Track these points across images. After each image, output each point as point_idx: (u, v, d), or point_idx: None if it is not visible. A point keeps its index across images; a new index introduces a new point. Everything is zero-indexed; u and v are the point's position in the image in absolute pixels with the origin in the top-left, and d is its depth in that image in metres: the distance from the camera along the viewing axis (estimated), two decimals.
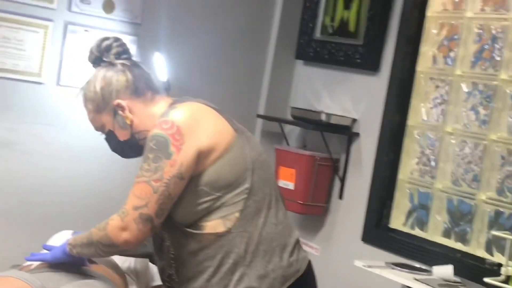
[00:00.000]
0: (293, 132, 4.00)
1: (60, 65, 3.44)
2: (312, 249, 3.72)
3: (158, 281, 2.75)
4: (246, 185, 2.09)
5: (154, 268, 2.79)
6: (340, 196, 3.70)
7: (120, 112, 2.17)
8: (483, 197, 3.06)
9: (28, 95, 3.40)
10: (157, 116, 2.12)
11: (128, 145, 2.21)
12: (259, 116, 3.99)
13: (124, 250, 2.13)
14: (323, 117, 3.63)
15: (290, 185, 3.67)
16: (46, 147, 3.48)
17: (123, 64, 2.19)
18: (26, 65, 3.36)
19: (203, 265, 2.10)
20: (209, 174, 2.06)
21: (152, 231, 2.06)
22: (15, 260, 2.88)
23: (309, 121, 3.71)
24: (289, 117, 3.90)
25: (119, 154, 2.29)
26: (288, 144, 3.96)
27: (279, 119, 3.90)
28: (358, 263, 3.08)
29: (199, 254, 2.10)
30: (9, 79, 3.34)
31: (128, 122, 2.18)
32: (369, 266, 3.01)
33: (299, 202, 3.64)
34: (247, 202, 2.09)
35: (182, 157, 2.02)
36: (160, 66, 3.53)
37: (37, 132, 3.44)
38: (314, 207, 3.70)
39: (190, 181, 2.06)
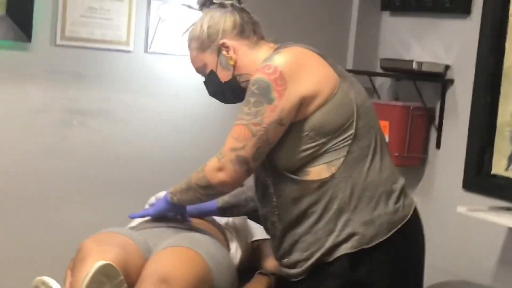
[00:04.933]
0: (384, 85, 3.91)
1: (146, 32, 3.47)
2: None
3: (257, 236, 2.76)
4: (351, 131, 2.07)
5: (253, 224, 2.79)
6: (438, 146, 3.59)
7: (224, 52, 2.20)
8: None
9: (118, 64, 3.44)
10: (261, 60, 2.11)
11: (229, 88, 2.22)
12: (347, 70, 3.91)
13: (221, 192, 2.14)
14: (415, 66, 3.52)
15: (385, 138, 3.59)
16: (137, 115, 3.51)
17: (232, 5, 2.21)
18: (114, 34, 3.39)
19: (307, 212, 2.09)
20: (314, 120, 2.04)
21: (248, 173, 2.07)
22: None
23: (400, 71, 3.62)
24: (379, 70, 3.82)
25: (218, 98, 2.31)
26: (379, 97, 3.88)
27: (368, 72, 3.82)
28: (461, 209, 2.99)
29: (303, 201, 2.08)
30: (99, 49, 3.38)
31: (232, 62, 2.19)
32: (473, 210, 2.92)
33: (395, 154, 3.55)
34: (352, 148, 2.06)
35: (284, 103, 2.01)
36: None
37: (128, 100, 3.48)
38: (411, 159, 3.62)
39: (295, 126, 2.05)
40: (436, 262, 3.36)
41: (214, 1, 2.24)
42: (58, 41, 3.28)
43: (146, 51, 3.48)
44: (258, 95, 2.03)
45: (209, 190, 2.14)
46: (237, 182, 2.09)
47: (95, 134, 3.43)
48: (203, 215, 2.55)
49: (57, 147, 3.36)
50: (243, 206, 2.53)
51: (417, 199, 3.59)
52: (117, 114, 3.47)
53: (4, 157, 3.25)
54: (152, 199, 2.72)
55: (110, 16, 3.37)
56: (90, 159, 3.43)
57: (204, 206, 2.50)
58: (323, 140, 2.06)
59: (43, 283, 1.80)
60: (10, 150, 3.26)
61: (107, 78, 3.43)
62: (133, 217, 2.47)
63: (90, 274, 1.68)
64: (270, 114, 2.02)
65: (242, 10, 2.23)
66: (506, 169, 3.27)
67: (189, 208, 2.46)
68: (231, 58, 2.20)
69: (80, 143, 3.40)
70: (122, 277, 1.74)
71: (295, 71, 2.04)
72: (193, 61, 2.30)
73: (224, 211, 2.53)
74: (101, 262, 1.71)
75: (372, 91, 3.87)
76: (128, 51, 3.45)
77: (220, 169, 2.07)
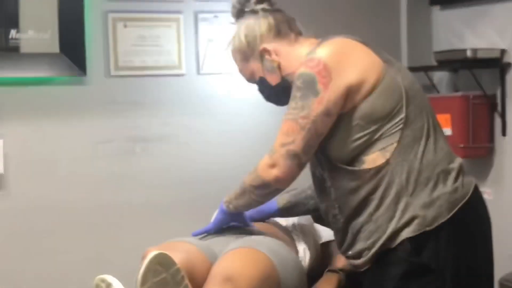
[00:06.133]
0: (442, 79, 3.87)
1: (197, 54, 3.53)
2: (484, 194, 3.55)
3: (325, 238, 2.74)
4: (402, 115, 2.04)
5: (318, 226, 2.78)
6: (503, 133, 3.52)
7: (266, 56, 2.22)
8: None
9: (173, 88, 3.51)
10: (304, 56, 2.11)
11: (281, 90, 2.23)
12: None
13: (276, 189, 2.13)
14: (469, 54, 3.47)
15: (448, 131, 3.53)
16: (198, 136, 3.55)
17: (263, 9, 2.23)
18: (166, 60, 3.46)
19: (366, 200, 2.07)
20: (363, 108, 2.03)
21: (300, 167, 2.07)
22: None
23: (455, 61, 3.57)
24: (435, 64, 3.77)
25: (274, 102, 2.33)
26: (438, 92, 3.82)
27: (424, 67, 3.77)
28: None
29: (361, 190, 2.07)
30: (153, 76, 3.46)
31: (276, 65, 2.21)
32: None
33: (460, 146, 3.49)
34: (404, 132, 2.04)
35: (330, 94, 2.01)
36: None
37: (187, 122, 3.53)
38: (477, 149, 3.55)
39: (345, 117, 2.04)
40: None
41: (245, 9, 2.26)
42: (113, 72, 3.36)
43: (198, 72, 3.54)
44: (304, 88, 2.03)
45: (264, 189, 2.14)
46: (290, 177, 2.09)
47: (159, 159, 3.49)
48: (264, 217, 2.55)
49: (123, 176, 3.43)
50: (304, 205, 2.53)
51: (490, 190, 3.56)
52: (178, 137, 3.53)
53: (71, 189, 3.34)
54: (215, 214, 2.74)
55: (160, 43, 3.45)
56: (156, 184, 3.49)
57: (265, 208, 2.50)
58: (375, 127, 2.04)
59: (103, 280, 1.84)
60: (76, 182, 3.35)
61: (163, 103, 3.50)
62: (195, 235, 2.48)
63: (145, 264, 1.70)
64: (317, 106, 2.02)
65: (274, 11, 2.24)
66: None
67: (250, 213, 2.46)
68: (274, 61, 2.21)
69: (144, 169, 3.47)
70: (178, 266, 1.76)
71: (338, 62, 2.04)
72: (241, 72, 2.33)
73: (285, 211, 2.52)
74: (155, 252, 1.73)
75: (431, 86, 3.82)
76: (181, 75, 3.51)
77: (272, 165, 2.08)
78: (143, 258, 1.98)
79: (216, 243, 2.32)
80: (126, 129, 3.43)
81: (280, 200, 2.52)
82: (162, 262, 1.74)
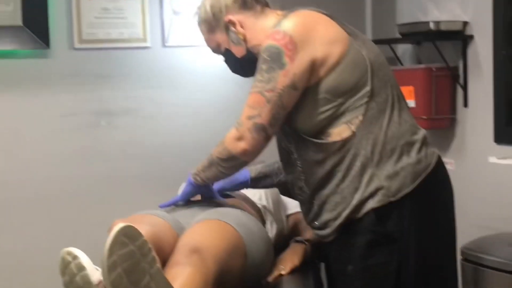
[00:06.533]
0: (405, 51, 3.90)
1: (162, 27, 3.51)
2: (447, 164, 3.60)
3: (291, 210, 2.77)
4: (367, 88, 2.06)
5: (285, 198, 2.80)
6: (465, 104, 3.56)
7: (232, 28, 2.21)
8: None
9: (138, 61, 3.50)
10: (269, 28, 2.12)
11: (247, 62, 2.23)
12: None
13: (243, 162, 2.14)
14: (432, 26, 3.50)
15: (411, 103, 3.57)
16: (163, 109, 3.57)
17: None
18: (131, 32, 3.44)
19: (332, 172, 2.09)
20: (329, 81, 2.04)
21: (266, 140, 2.08)
22: None
23: (418, 34, 3.60)
24: (398, 37, 3.80)
25: (239, 73, 2.33)
26: (402, 64, 3.86)
27: (388, 40, 3.80)
28: (493, 159, 2.96)
29: (327, 162, 2.09)
30: (117, 49, 3.45)
31: (241, 37, 2.21)
32: (505, 158, 2.88)
33: (423, 117, 3.53)
34: (369, 104, 2.06)
35: (296, 67, 2.02)
36: None
37: (152, 95, 3.54)
38: (440, 120, 3.59)
39: (311, 90, 2.06)
40: (476, 219, 3.33)
41: None
42: (76, 45, 3.34)
43: (163, 45, 3.53)
44: (270, 61, 2.04)
45: (231, 161, 2.15)
46: (257, 150, 2.10)
47: (124, 133, 3.49)
48: (237, 187, 2.56)
49: (88, 149, 3.43)
50: (276, 176, 2.54)
51: (452, 160, 3.61)
52: (143, 110, 3.52)
53: (36, 162, 3.34)
54: (182, 186, 2.75)
55: (124, 15, 3.42)
56: (121, 158, 3.49)
57: (237, 178, 2.51)
58: (340, 100, 2.06)
59: (69, 253, 1.84)
60: (41, 155, 3.34)
61: (128, 76, 3.48)
62: (162, 207, 2.49)
63: (111, 236, 1.71)
64: (283, 79, 2.03)
65: None
66: None
67: (222, 182, 2.48)
68: (239, 32, 2.21)
69: (109, 142, 3.47)
70: (144, 238, 1.76)
71: (304, 34, 2.04)
72: (207, 43, 2.32)
73: (257, 181, 2.54)
74: (121, 224, 1.74)
75: (394, 58, 3.86)
76: (146, 47, 3.50)
77: (239, 138, 2.08)
78: (110, 230, 1.98)
79: (183, 215, 2.33)
80: (91, 102, 3.42)
81: (253, 170, 2.54)
82: (128, 235, 1.75)
